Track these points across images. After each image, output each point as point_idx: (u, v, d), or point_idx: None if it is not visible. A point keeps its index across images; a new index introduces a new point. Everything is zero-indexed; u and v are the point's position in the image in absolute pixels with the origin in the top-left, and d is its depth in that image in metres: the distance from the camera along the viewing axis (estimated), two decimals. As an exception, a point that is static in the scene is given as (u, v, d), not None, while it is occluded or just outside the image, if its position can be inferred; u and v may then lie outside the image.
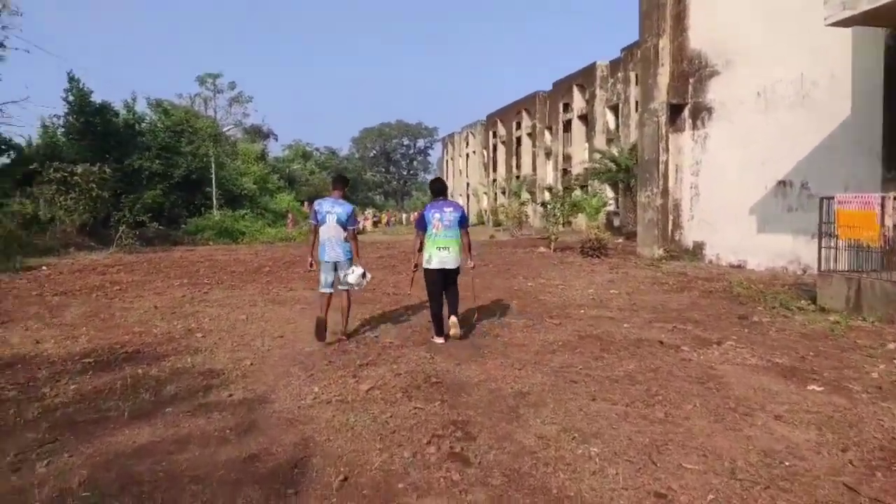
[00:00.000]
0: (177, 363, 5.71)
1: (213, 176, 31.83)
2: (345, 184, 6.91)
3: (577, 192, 22.27)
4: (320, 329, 6.53)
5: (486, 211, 51.73)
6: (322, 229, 6.56)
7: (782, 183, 12.94)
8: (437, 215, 6.55)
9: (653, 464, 3.55)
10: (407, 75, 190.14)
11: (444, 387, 5.00)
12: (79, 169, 20.90)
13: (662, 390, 4.97)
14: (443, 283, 6.65)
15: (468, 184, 58.86)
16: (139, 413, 4.34)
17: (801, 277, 12.01)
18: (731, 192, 14.24)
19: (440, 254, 6.50)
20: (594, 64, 33.01)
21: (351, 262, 6.65)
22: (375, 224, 48.63)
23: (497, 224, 40.73)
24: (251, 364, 5.72)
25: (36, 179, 20.99)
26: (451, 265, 6.58)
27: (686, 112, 15.59)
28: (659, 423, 4.25)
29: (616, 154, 27.56)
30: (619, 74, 31.04)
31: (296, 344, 6.60)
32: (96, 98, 27.54)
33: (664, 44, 15.57)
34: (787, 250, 12.91)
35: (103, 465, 3.48)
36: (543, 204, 20.38)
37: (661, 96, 15.61)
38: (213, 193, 31.85)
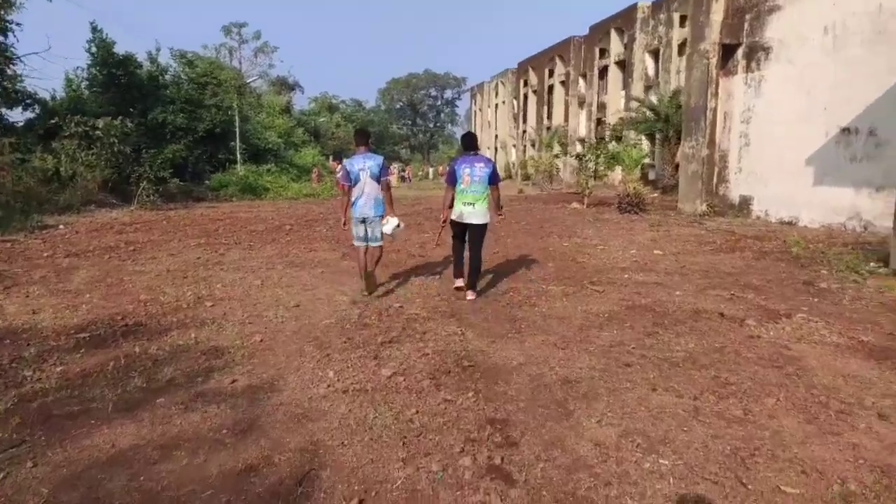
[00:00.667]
0: (179, 339, 5.13)
1: (237, 130, 31.10)
2: (368, 136, 6.80)
3: (614, 144, 20.89)
4: (370, 283, 6.59)
5: (514, 164, 50.34)
6: (356, 187, 6.47)
7: (846, 130, 11.76)
8: (468, 170, 6.40)
9: (742, 486, 2.85)
10: (437, 23, 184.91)
11: (478, 372, 4.33)
12: (100, 123, 20.37)
13: (734, 377, 4.22)
14: (464, 237, 6.59)
15: (496, 136, 57.31)
16: (126, 405, 3.77)
17: (861, 235, 11.00)
18: (786, 142, 13.08)
19: (465, 209, 6.41)
20: (635, 5, 31.03)
21: (381, 217, 6.59)
22: (402, 179, 47.51)
23: (526, 178, 39.58)
24: (261, 340, 5.12)
25: (58, 134, 20.54)
26: (475, 220, 6.44)
27: (739, 53, 14.27)
28: (738, 423, 3.52)
29: (655, 102, 26.03)
30: (662, 16, 29.12)
31: (313, 315, 5.98)
32: (120, 49, 26.86)
33: (718, -24, 14.15)
34: (846, 205, 11.85)
35: (70, 480, 2.90)
36: (578, 156, 19.19)
37: (713, 36, 14.27)
38: (238, 148, 31.20)
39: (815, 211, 12.41)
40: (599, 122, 36.42)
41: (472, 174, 6.34)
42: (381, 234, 6.60)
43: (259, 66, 40.41)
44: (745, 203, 14.26)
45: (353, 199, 6.48)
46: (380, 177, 6.48)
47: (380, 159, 6.55)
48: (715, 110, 14.62)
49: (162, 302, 6.57)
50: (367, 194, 6.44)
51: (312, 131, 52.90)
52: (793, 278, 7.59)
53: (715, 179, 14.97)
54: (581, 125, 39.37)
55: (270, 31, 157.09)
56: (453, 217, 6.50)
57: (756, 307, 6.17)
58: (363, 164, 6.43)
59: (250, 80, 38.11)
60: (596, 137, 36.62)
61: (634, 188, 15.15)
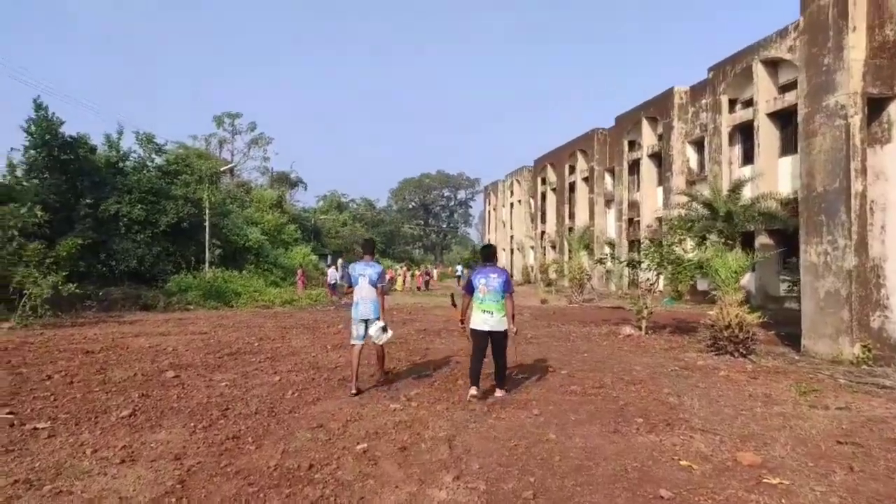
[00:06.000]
0: None
1: (207, 224, 26.29)
2: (373, 247, 7.62)
3: (691, 246, 14.90)
4: (358, 391, 6.90)
5: (533, 267, 45.21)
6: (355, 289, 7.08)
7: None
8: (483, 280, 6.73)
9: None
10: (451, 126, 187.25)
11: None
12: (-5, 211, 15.57)
13: None
14: (487, 345, 6.76)
15: (512, 237, 52.60)
16: None
17: None
18: None
19: (484, 316, 6.67)
20: (671, 90, 26.88)
21: (379, 318, 7.04)
22: (411, 277, 38.83)
23: (547, 284, 34.17)
24: None
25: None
26: (494, 328, 6.67)
27: (894, 109, 9.21)
28: None
29: (709, 196, 21.09)
30: (705, 101, 24.79)
31: None
32: (71, 130, 22.88)
33: (856, -5, 9.33)
34: None
35: None
36: (631, 263, 13.78)
37: (852, 83, 9.24)
38: (207, 245, 26.25)
39: None
40: (631, 221, 31.55)
41: (487, 284, 6.68)
42: (376, 333, 6.96)
43: (252, 159, 36.52)
44: (930, 344, 8.63)
45: (354, 299, 7.08)
46: (376, 284, 7.09)
47: (379, 268, 7.23)
48: (863, 196, 9.34)
49: None
50: (364, 298, 7.02)
51: (312, 229, 48.60)
52: None
53: (867, 305, 9.43)
54: (610, 225, 34.56)
55: (275, 129, 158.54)
56: (474, 326, 6.73)
57: None
58: (363, 271, 7.11)
59: (227, 167, 33.85)
60: (628, 239, 31.62)
61: (738, 316, 9.58)
